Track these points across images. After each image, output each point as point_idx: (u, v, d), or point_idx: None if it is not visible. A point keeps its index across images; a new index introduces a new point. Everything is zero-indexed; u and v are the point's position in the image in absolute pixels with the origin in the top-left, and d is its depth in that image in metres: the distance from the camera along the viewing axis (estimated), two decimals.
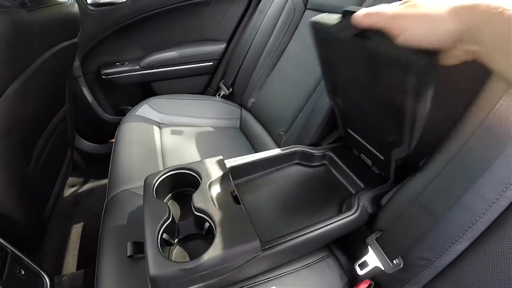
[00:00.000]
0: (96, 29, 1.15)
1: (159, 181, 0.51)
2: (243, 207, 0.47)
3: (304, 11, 0.99)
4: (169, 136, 0.99)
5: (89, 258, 0.74)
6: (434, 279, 0.45)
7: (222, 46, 1.30)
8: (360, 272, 0.49)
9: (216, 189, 0.52)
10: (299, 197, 0.60)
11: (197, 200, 0.46)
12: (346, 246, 0.59)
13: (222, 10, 1.26)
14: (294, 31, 1.01)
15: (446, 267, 0.43)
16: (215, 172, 0.53)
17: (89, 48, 1.18)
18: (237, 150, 0.98)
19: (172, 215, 0.45)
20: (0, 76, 0.52)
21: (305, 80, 0.85)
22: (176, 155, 0.89)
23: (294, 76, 0.92)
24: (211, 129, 1.08)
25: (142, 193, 0.49)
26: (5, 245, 0.57)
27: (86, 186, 1.35)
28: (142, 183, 0.52)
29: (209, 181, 0.50)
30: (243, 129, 1.11)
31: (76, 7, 0.92)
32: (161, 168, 0.81)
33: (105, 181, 1.29)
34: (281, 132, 0.86)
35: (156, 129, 1.01)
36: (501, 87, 0.36)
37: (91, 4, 1.11)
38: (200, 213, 0.45)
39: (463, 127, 0.41)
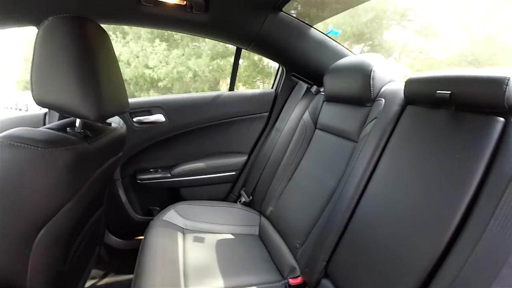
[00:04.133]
0: (138, 141, 1.37)
1: None
2: None
3: (315, 131, 1.15)
4: (191, 243, 1.04)
5: None
6: None
7: (244, 158, 1.46)
8: None
9: None
10: None
11: None
12: None
13: (244, 127, 1.47)
14: (307, 148, 1.15)
15: None
16: None
17: (129, 156, 1.38)
18: (255, 260, 1.01)
19: None
20: (59, 197, 0.63)
21: (319, 192, 0.94)
22: (197, 263, 0.93)
23: (309, 188, 1.01)
24: (231, 236, 1.13)
25: None
26: None
27: (106, 280, 1.36)
28: None
29: None
30: (262, 236, 1.15)
31: (124, 128, 1.08)
32: (181, 277, 0.84)
33: (125, 276, 1.35)
34: (297, 244, 0.90)
35: (180, 235, 1.07)
36: None
37: (136, 122, 1.36)
38: None
39: None
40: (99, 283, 1.34)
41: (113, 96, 0.75)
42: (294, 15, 1.15)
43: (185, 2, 0.96)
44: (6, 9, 0.88)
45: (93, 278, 1.36)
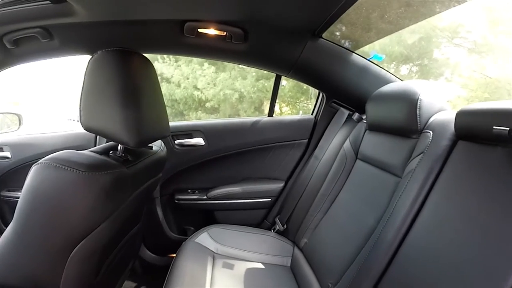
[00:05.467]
0: (178, 163, 1.43)
1: None
2: None
3: (355, 161, 1.09)
4: (220, 268, 1.03)
5: None
6: None
7: (281, 184, 1.43)
8: None
9: None
10: None
11: None
12: None
13: (282, 153, 1.45)
14: (346, 179, 1.09)
15: None
16: None
17: (169, 176, 1.44)
18: None
19: None
20: (95, 217, 0.67)
21: (357, 230, 0.87)
22: None
23: (346, 224, 0.95)
24: (262, 265, 1.09)
25: None
26: None
27: None
28: None
29: None
30: (293, 269, 1.10)
31: (164, 151, 1.12)
32: None
33: None
34: (330, 284, 0.83)
35: (210, 259, 1.06)
36: None
37: (178, 145, 1.42)
38: None
39: None
40: None
41: (153, 123, 0.80)
42: (335, 41, 1.13)
43: (225, 33, 1.00)
44: (67, 40, 1.00)
45: None
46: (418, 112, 0.79)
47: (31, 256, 0.64)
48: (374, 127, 1.04)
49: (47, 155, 1.29)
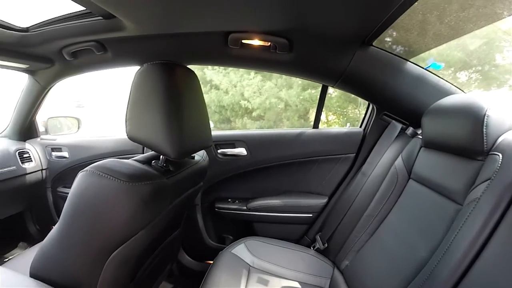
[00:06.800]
0: (220, 171, 1.45)
1: None
2: None
3: (408, 181, 0.98)
4: (254, 283, 1.00)
5: None
6: None
7: (324, 200, 1.36)
8: None
9: None
10: None
11: None
12: None
13: (327, 168, 1.38)
14: (397, 200, 0.98)
15: None
16: None
17: (211, 184, 1.46)
18: None
19: None
20: (134, 225, 0.69)
21: (406, 259, 0.77)
22: None
23: (394, 251, 0.85)
24: (298, 285, 1.03)
25: None
26: None
27: None
28: None
29: None
30: None
31: (206, 161, 1.12)
32: None
33: None
34: None
35: (244, 273, 1.04)
36: None
37: (220, 154, 1.44)
38: None
39: None
40: None
41: (196, 135, 0.81)
42: (387, 49, 1.04)
43: (269, 43, 0.98)
44: (119, 53, 1.09)
45: None
46: (484, 130, 0.67)
47: (72, 256, 0.68)
48: (431, 144, 0.92)
49: (99, 157, 1.42)
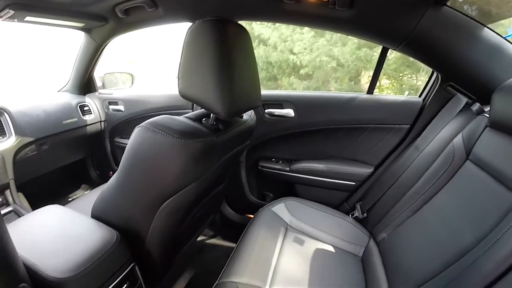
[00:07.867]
0: (266, 131, 1.47)
1: None
2: None
3: (465, 162, 0.90)
4: (290, 242, 1.06)
5: None
6: None
7: (369, 170, 1.33)
8: None
9: None
10: None
11: None
12: None
13: (377, 137, 1.33)
14: (448, 181, 0.92)
15: None
16: None
17: (256, 143, 1.50)
18: (349, 285, 0.93)
19: None
20: (184, 179, 0.74)
21: (448, 243, 0.75)
22: (289, 267, 0.94)
23: (436, 232, 0.82)
24: (332, 249, 1.07)
25: None
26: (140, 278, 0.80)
27: (213, 241, 1.64)
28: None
29: None
30: (364, 261, 1.04)
31: (254, 120, 1.10)
32: (270, 275, 0.88)
33: (228, 243, 1.58)
34: None
35: (282, 231, 1.10)
36: None
37: (267, 113, 1.45)
38: None
39: None
40: (206, 241, 1.62)
41: (246, 94, 0.81)
42: (463, 10, 0.89)
43: None
44: (170, 9, 1.09)
45: (203, 235, 1.64)
46: None
47: (129, 203, 0.77)
48: (498, 125, 0.81)
49: (152, 112, 1.51)
